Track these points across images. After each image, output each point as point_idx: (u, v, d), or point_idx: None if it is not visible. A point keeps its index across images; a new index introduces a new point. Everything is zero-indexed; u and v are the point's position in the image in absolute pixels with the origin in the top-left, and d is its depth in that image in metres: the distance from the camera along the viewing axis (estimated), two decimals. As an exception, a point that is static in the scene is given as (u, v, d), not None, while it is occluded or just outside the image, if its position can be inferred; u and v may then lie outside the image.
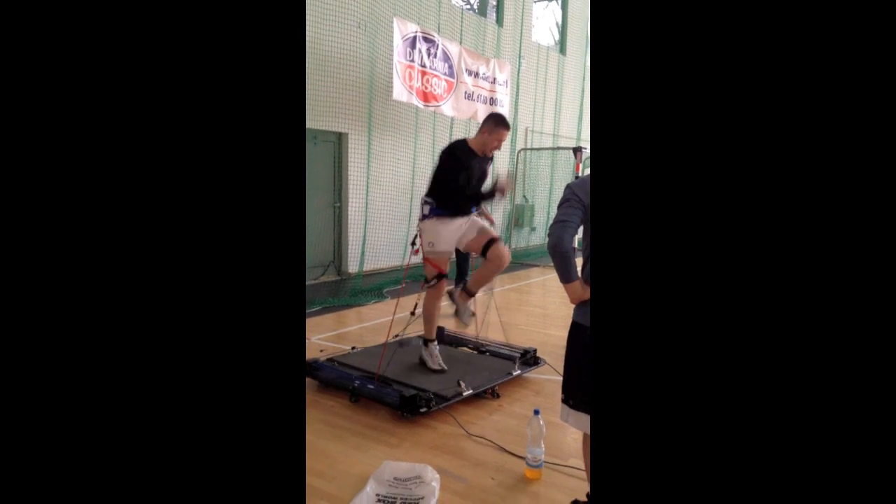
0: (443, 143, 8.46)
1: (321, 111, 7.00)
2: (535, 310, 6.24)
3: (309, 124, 6.86)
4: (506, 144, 5.89)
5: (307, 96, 6.24)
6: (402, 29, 7.58)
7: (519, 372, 3.60)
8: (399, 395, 3.02)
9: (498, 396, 3.39)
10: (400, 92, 7.57)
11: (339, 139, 7.81)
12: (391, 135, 8.21)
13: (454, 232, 3.46)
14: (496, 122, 3.36)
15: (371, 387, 3.20)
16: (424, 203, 3.46)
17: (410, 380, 3.33)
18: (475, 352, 4.01)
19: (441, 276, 3.45)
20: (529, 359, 3.80)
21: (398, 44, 7.54)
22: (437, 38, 8.22)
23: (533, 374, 3.78)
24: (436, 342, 3.60)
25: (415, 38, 7.93)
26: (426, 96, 8.17)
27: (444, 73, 8.47)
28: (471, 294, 3.55)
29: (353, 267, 7.53)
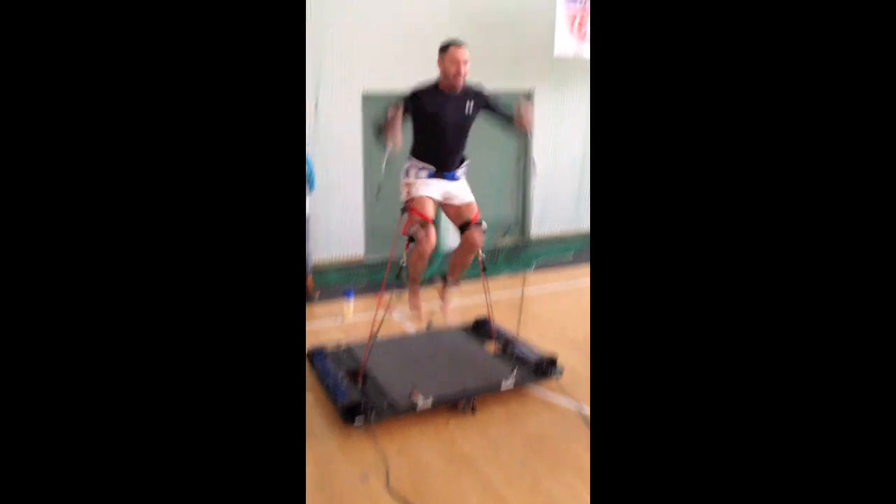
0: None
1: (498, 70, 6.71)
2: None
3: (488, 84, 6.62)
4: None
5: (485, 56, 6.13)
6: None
7: (511, 383, 3.19)
8: (342, 400, 2.97)
9: (474, 412, 3.07)
10: (564, 45, 6.90)
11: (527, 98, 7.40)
12: (568, 90, 7.54)
13: (435, 185, 3.19)
14: (441, 46, 3.03)
15: (332, 384, 3.19)
16: (407, 164, 3.24)
17: (389, 381, 3.22)
18: (501, 351, 3.65)
19: (426, 224, 3.06)
20: (540, 368, 3.32)
21: (563, -10, 6.83)
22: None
23: (541, 389, 3.30)
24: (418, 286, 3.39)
25: (589, -22, 7.11)
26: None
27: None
28: (450, 284, 3.49)
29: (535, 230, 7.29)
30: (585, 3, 6.87)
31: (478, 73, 6.67)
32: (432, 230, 3.07)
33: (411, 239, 3.10)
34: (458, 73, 2.99)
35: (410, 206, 3.13)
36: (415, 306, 3.40)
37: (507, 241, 6.85)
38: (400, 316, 4.48)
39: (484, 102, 3.16)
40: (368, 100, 6.20)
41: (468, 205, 3.26)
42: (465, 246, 3.30)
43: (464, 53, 2.98)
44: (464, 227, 3.25)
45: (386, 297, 3.50)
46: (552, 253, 6.54)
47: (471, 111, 3.13)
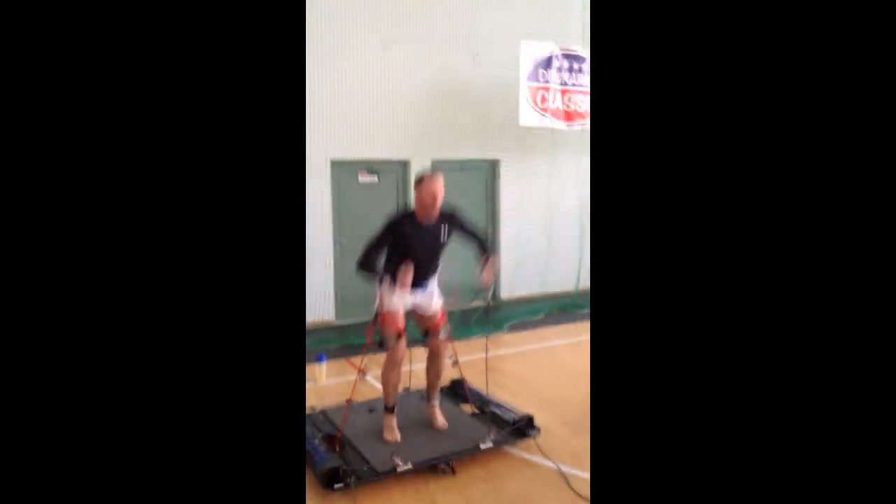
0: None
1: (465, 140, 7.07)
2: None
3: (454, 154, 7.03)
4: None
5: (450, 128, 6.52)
6: (532, 51, 7.28)
7: (490, 444, 3.20)
8: (322, 465, 2.93)
9: (454, 473, 3.06)
10: (529, 117, 7.26)
11: (493, 167, 7.72)
12: (533, 159, 7.88)
13: (407, 296, 3.32)
14: (417, 179, 3.20)
15: (310, 448, 3.14)
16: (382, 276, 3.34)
17: (367, 446, 3.20)
18: (478, 411, 3.67)
19: (399, 336, 3.25)
20: (518, 428, 3.35)
21: (526, 67, 7.25)
22: (582, 51, 7.70)
23: (519, 449, 3.32)
24: (394, 412, 3.38)
25: (550, 57, 7.56)
26: (570, 115, 7.71)
27: (595, 87, 7.84)
28: (430, 399, 3.53)
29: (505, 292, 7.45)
30: (548, 80, 7.29)
31: (447, 143, 7.03)
32: (403, 341, 3.24)
33: (382, 345, 3.26)
34: (433, 206, 3.14)
35: (382, 317, 3.27)
36: (392, 434, 3.32)
37: (480, 303, 6.93)
38: (373, 379, 4.46)
39: (458, 226, 3.33)
40: (336, 165, 6.36)
41: (432, 315, 3.41)
42: (432, 355, 3.45)
43: (439, 185, 3.13)
44: (426, 334, 3.43)
45: (361, 361, 3.50)
46: (522, 315, 6.64)
47: (445, 237, 3.31)
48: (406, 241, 3.16)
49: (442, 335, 3.40)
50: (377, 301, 3.35)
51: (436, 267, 3.38)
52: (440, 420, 3.46)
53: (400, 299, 3.28)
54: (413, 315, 3.44)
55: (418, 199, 3.16)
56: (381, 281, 3.31)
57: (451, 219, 3.30)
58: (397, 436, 3.29)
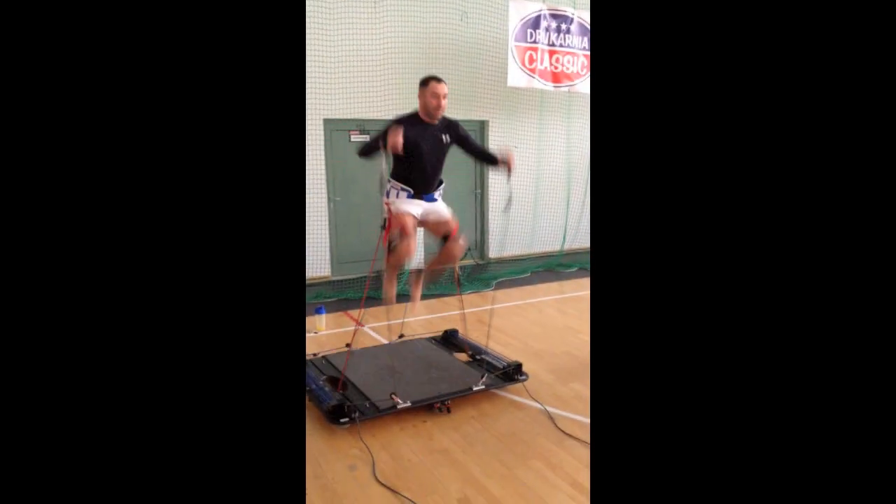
0: (580, 124, 8.12)
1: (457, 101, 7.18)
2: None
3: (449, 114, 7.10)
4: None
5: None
6: (520, 10, 7.34)
7: (483, 387, 3.46)
8: (327, 402, 3.18)
9: (449, 412, 3.32)
10: (517, 77, 7.37)
11: (482, 127, 7.89)
12: (521, 120, 8.03)
13: (416, 204, 3.43)
14: (422, 81, 3.30)
15: (315, 388, 3.39)
16: (388, 186, 3.43)
17: (368, 387, 3.45)
18: (471, 359, 3.93)
19: (406, 235, 3.27)
20: (508, 374, 3.61)
21: (514, 27, 7.33)
22: (570, 12, 7.76)
23: (508, 392, 3.59)
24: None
25: (538, 17, 7.62)
26: (557, 77, 7.82)
27: (581, 49, 7.96)
28: (419, 274, 3.68)
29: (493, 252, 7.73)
30: (536, 40, 7.38)
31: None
32: (411, 239, 3.28)
33: (390, 247, 3.32)
34: (437, 106, 3.28)
35: (391, 220, 3.34)
36: (389, 296, 3.53)
37: (469, 261, 7.19)
38: (369, 328, 4.70)
39: (458, 134, 3.45)
40: (328, 124, 6.47)
41: (446, 221, 3.49)
42: (444, 255, 3.54)
43: (443, 88, 3.28)
44: (445, 239, 3.50)
45: (360, 311, 3.73)
46: (510, 273, 6.89)
47: (447, 141, 3.43)
48: (409, 138, 3.21)
49: (461, 240, 3.48)
50: (384, 210, 3.41)
51: (439, 172, 3.45)
52: (416, 297, 3.68)
53: (407, 205, 3.35)
54: (426, 225, 3.50)
55: (422, 100, 3.29)
56: (387, 193, 3.41)
57: (454, 127, 3.42)
58: (393, 296, 3.54)
